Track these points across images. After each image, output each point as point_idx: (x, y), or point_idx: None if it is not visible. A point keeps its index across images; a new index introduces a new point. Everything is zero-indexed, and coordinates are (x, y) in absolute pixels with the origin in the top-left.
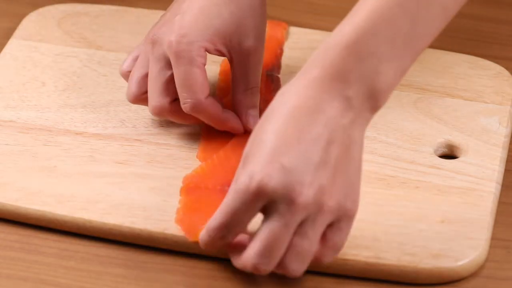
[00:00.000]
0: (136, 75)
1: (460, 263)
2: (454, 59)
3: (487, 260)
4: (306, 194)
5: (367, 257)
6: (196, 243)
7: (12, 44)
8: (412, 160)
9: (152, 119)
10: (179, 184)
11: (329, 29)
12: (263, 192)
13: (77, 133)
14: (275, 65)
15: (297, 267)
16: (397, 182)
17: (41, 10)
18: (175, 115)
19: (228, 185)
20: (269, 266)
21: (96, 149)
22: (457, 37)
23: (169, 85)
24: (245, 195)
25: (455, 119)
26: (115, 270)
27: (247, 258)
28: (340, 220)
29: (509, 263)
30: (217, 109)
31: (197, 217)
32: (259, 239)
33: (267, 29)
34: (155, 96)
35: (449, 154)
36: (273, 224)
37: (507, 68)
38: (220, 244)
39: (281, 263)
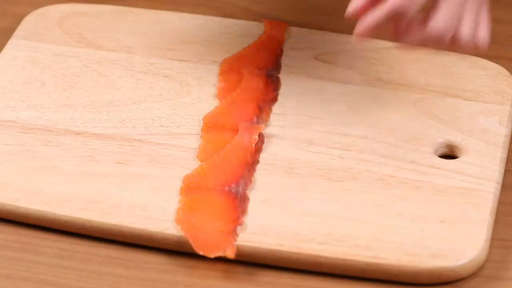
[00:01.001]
0: None
1: (460, 263)
2: (454, 59)
3: (487, 260)
4: None
5: (367, 257)
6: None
7: (12, 44)
8: (412, 160)
9: (152, 119)
10: (179, 184)
11: (329, 29)
12: None
13: (77, 133)
14: (275, 65)
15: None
16: (397, 182)
17: (41, 10)
18: None
19: (228, 185)
20: (452, 31)
21: (96, 149)
22: None
23: None
24: None
25: (455, 119)
26: (115, 270)
27: (436, 24)
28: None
29: (509, 263)
30: None
31: (197, 217)
32: (441, 7)
33: (267, 29)
34: None
35: (449, 154)
36: None
37: (507, 68)
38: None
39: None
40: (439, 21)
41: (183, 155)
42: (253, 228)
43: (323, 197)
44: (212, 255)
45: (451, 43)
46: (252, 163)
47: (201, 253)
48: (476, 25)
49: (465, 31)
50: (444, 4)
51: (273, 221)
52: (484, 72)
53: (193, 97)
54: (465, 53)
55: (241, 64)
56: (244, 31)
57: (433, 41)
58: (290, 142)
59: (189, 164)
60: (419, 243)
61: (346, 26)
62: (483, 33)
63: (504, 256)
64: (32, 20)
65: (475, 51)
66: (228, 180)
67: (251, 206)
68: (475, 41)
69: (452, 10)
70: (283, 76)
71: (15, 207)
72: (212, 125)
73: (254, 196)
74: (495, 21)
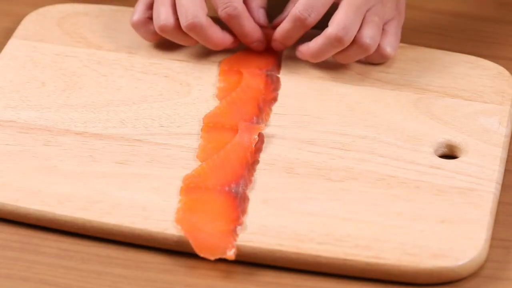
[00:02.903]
0: (143, 1)
1: (460, 263)
2: (454, 59)
3: (487, 260)
4: None
5: (367, 257)
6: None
7: (12, 44)
8: (412, 160)
9: (152, 119)
10: (179, 184)
11: None
12: None
13: (77, 133)
14: (275, 65)
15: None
16: (397, 182)
17: (41, 10)
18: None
19: (228, 185)
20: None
21: (96, 149)
22: (457, 37)
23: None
24: None
25: (455, 119)
26: (115, 270)
27: (335, 27)
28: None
29: (509, 263)
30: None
31: (197, 217)
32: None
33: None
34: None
35: (449, 154)
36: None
37: (507, 68)
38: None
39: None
40: (337, 23)
41: (183, 155)
42: (253, 228)
43: (323, 197)
44: (212, 257)
45: (354, 46)
46: (252, 163)
47: (201, 255)
48: (379, 32)
49: (366, 33)
50: (342, 10)
51: (273, 221)
52: (484, 72)
53: (193, 97)
54: (374, 61)
55: (241, 64)
56: None
57: (333, 44)
58: (290, 142)
59: (189, 164)
60: (419, 243)
61: None
62: (387, 42)
63: (504, 256)
64: (32, 20)
65: (380, 59)
66: (228, 180)
67: (251, 206)
68: (380, 49)
69: (350, 14)
70: (283, 76)
71: (15, 207)
72: (212, 125)
73: (254, 196)
74: (495, 21)
